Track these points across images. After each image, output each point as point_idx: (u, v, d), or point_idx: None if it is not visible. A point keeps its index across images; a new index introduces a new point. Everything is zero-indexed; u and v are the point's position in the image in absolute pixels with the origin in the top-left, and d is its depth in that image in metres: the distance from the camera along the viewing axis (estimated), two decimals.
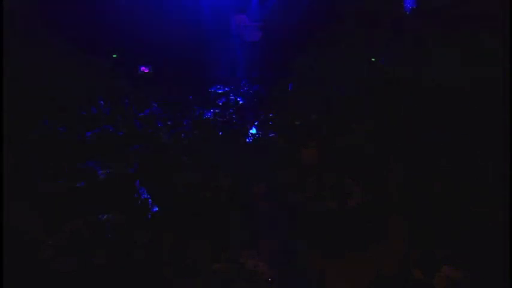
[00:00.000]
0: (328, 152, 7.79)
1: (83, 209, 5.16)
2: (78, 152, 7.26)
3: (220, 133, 8.73)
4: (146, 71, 13.91)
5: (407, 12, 9.49)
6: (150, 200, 5.65)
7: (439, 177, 6.37)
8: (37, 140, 7.60)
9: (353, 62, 12.30)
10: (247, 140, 8.34)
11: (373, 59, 12.67)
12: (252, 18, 14.47)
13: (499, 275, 3.94)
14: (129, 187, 6.11)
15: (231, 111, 10.26)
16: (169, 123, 9.36)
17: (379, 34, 11.72)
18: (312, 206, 5.31)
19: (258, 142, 8.19)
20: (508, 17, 6.75)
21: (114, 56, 13.00)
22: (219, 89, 13.13)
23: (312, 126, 9.13)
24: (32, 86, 9.49)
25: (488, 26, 7.63)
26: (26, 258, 4.17)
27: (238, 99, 11.73)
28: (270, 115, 9.96)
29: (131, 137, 8.23)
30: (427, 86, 10.17)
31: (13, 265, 3.94)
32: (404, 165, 7.31)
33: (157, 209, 5.48)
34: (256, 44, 14.77)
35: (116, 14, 12.13)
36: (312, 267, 4.40)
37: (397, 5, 9.79)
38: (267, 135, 8.37)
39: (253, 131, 8.83)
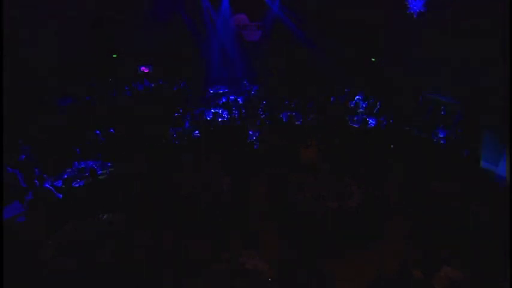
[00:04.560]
0: (328, 152, 7.80)
1: (83, 209, 5.17)
2: (79, 152, 7.26)
3: (220, 133, 8.72)
4: (146, 71, 13.92)
5: (415, 16, 9.42)
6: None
7: (438, 177, 6.38)
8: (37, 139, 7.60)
9: (353, 62, 12.30)
10: (248, 140, 8.34)
11: (373, 59, 12.67)
12: (252, 18, 14.46)
13: (499, 275, 3.94)
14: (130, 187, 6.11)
15: (231, 111, 10.26)
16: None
17: (379, 35, 11.72)
18: (312, 206, 5.31)
19: (258, 142, 8.19)
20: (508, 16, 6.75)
21: (114, 56, 13.01)
22: (219, 89, 13.13)
23: (312, 126, 9.14)
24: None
25: (489, 25, 7.63)
26: (26, 258, 4.17)
27: (238, 99, 11.73)
28: (271, 115, 9.96)
29: (131, 137, 8.23)
30: (428, 86, 10.18)
31: (13, 265, 3.94)
32: (404, 165, 7.32)
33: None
34: (256, 44, 14.77)
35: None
36: (312, 267, 4.40)
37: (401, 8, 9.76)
38: (267, 135, 8.37)
39: (253, 131, 8.82)
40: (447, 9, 8.87)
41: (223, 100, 11.52)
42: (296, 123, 9.33)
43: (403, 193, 6.43)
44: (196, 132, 8.65)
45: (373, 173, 6.78)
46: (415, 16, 9.24)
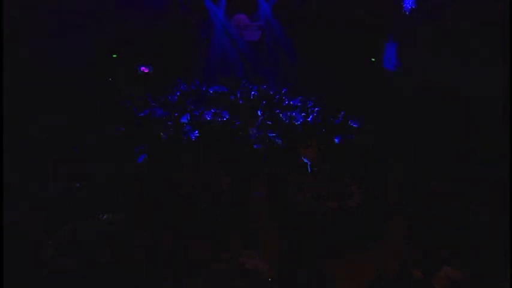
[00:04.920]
0: (328, 152, 7.80)
1: (83, 209, 5.16)
2: (79, 152, 7.27)
3: (220, 133, 8.72)
4: (146, 71, 13.92)
5: (407, 13, 9.49)
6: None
7: (438, 177, 6.38)
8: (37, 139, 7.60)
9: (353, 62, 12.29)
10: (248, 140, 8.34)
11: (373, 59, 12.67)
12: (252, 18, 14.47)
13: (499, 275, 3.94)
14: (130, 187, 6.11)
15: (231, 111, 10.26)
16: (170, 123, 9.36)
17: (379, 34, 11.72)
18: (312, 206, 5.31)
19: (258, 142, 8.19)
20: (508, 16, 6.75)
21: (114, 56, 13.00)
22: (219, 89, 13.14)
23: (312, 126, 9.14)
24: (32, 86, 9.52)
25: (487, 24, 7.63)
26: (26, 258, 4.17)
27: (239, 99, 11.74)
28: (270, 115, 9.96)
29: (131, 137, 8.23)
30: (428, 87, 10.16)
31: (13, 265, 3.94)
32: (404, 165, 7.32)
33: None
34: (256, 44, 14.78)
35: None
36: (312, 267, 4.40)
37: (396, 6, 9.81)
38: (267, 135, 8.37)
39: (253, 131, 8.82)
40: (447, 9, 8.89)
41: (224, 100, 11.54)
42: (296, 123, 9.34)
43: (403, 193, 6.43)
44: (196, 132, 8.65)
45: (373, 173, 6.78)
46: (407, 13, 9.27)
